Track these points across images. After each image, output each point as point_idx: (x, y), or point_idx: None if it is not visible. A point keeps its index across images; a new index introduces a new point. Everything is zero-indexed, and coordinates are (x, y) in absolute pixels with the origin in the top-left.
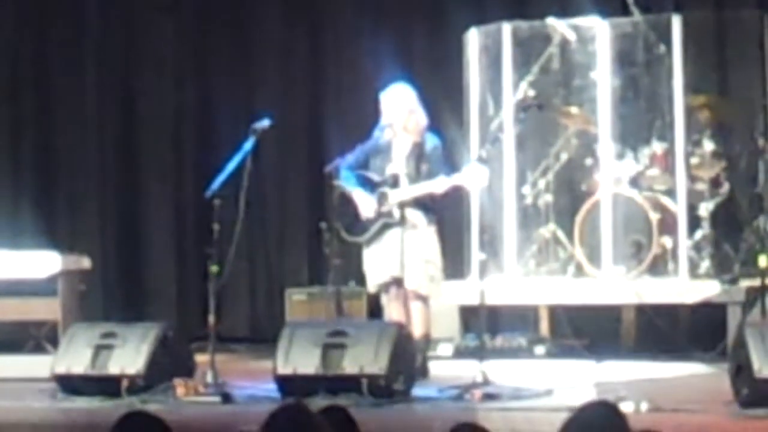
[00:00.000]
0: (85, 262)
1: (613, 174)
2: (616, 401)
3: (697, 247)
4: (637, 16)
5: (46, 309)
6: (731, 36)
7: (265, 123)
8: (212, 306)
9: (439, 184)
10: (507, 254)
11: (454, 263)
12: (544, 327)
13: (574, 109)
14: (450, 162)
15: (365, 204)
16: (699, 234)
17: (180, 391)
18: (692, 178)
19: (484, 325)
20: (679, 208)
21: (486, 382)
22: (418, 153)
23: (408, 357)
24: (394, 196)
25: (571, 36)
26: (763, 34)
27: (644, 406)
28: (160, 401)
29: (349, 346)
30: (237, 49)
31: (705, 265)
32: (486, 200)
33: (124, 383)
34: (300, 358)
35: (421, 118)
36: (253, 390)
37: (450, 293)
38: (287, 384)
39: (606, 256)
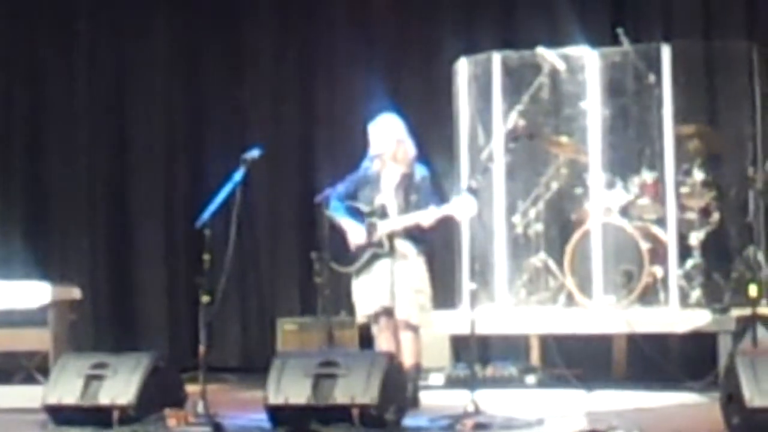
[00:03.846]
0: (76, 293)
1: (604, 203)
2: (607, 431)
3: (688, 277)
4: (626, 45)
5: (37, 339)
6: (720, 66)
7: (255, 153)
8: (203, 336)
9: (428, 215)
10: (498, 284)
11: (445, 293)
12: (535, 356)
13: (564, 139)
14: (439, 192)
15: (355, 232)
16: (689, 263)
17: (171, 421)
18: (682, 208)
19: (475, 355)
20: (669, 237)
21: (477, 412)
22: (407, 183)
23: (399, 387)
24: (384, 227)
25: (561, 65)
26: (752, 64)
27: None
28: None
29: (340, 376)
30: (228, 78)
31: (695, 294)
32: (476, 230)
33: (116, 414)
34: (291, 388)
35: (410, 149)
36: (244, 420)
37: (441, 323)
38: (278, 414)
39: (596, 285)
